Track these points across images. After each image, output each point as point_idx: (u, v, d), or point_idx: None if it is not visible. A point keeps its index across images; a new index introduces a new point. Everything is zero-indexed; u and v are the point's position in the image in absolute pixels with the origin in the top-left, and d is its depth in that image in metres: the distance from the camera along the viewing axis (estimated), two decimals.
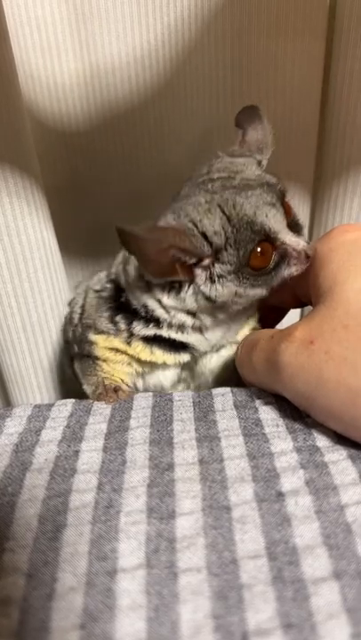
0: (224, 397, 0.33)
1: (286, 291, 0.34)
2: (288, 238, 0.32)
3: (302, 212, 0.49)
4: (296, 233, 0.33)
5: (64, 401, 0.35)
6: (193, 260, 0.31)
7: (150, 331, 0.36)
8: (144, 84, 0.45)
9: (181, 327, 0.36)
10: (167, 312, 0.35)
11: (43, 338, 0.45)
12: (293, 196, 0.47)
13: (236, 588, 0.21)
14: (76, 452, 0.29)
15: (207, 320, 0.35)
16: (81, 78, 0.45)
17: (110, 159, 0.49)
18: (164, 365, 0.38)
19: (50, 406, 0.34)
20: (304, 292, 0.34)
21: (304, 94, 0.45)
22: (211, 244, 0.31)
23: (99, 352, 0.38)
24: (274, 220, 0.32)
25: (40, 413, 0.33)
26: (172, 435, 0.29)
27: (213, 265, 0.32)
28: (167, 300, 0.34)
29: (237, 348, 0.36)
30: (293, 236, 0.33)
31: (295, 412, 0.30)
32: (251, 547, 0.22)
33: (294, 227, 0.34)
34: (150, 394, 0.35)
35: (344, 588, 0.21)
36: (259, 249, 0.32)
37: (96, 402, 0.35)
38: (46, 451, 0.29)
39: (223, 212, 0.31)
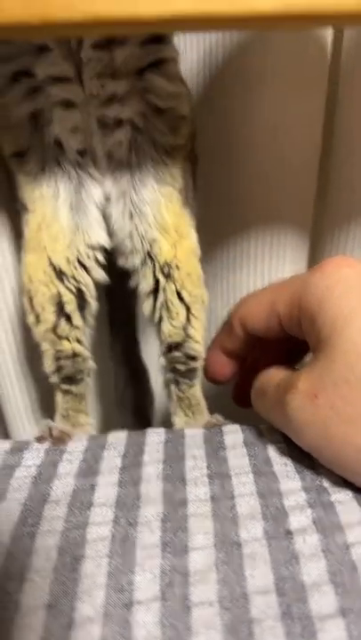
0: (235, 435, 0.34)
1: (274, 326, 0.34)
2: None
3: (300, 259, 0.50)
4: None
5: (79, 436, 0.37)
6: None
7: None
8: None
9: None
10: None
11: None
12: (290, 243, 0.48)
13: (247, 622, 0.22)
14: (93, 486, 0.30)
15: None
16: None
17: None
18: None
19: None
20: (296, 330, 0.33)
21: (305, 142, 0.46)
22: None
23: None
24: None
25: (57, 447, 0.35)
26: (185, 471, 0.31)
27: None
28: None
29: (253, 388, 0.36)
30: None
31: (303, 451, 0.32)
32: (260, 582, 0.23)
33: None
34: (162, 429, 0.36)
35: (350, 624, 0.22)
36: None
37: (110, 436, 0.36)
38: (64, 484, 0.31)
39: None
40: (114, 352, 0.49)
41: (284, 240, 0.47)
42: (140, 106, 0.34)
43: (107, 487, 0.30)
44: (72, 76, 0.33)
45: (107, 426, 0.53)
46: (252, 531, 0.26)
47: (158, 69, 0.34)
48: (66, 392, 0.40)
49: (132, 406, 0.51)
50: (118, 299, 0.45)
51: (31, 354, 0.46)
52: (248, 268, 0.48)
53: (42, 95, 0.33)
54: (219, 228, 0.47)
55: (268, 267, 0.48)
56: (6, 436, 0.53)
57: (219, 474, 0.30)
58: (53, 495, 0.30)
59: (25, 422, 0.50)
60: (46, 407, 0.50)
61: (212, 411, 0.42)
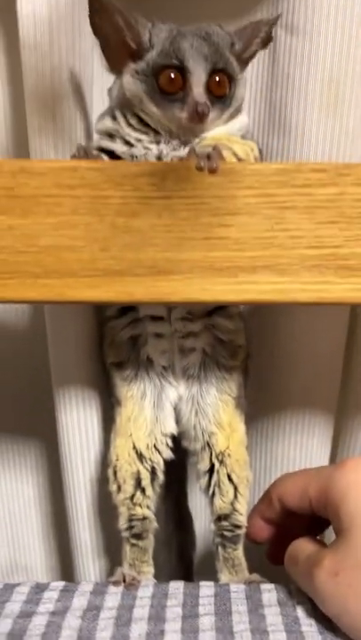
0: (270, 594, 0.43)
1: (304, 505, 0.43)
2: (196, 83, 0.35)
3: (326, 437, 0.60)
4: (217, 102, 0.37)
5: (145, 582, 0.46)
6: (132, 44, 0.37)
7: None
8: None
9: None
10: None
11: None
12: (318, 422, 0.59)
13: None
14: (162, 632, 0.39)
15: None
16: None
17: None
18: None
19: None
20: (323, 512, 0.42)
21: (333, 342, 0.57)
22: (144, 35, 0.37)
23: None
24: (193, 61, 0.35)
25: (130, 592, 0.44)
26: (232, 624, 0.40)
27: (139, 57, 0.38)
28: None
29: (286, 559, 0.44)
30: (205, 93, 0.35)
31: (323, 614, 0.40)
32: None
33: (221, 99, 0.37)
34: (212, 583, 0.46)
35: None
36: (170, 72, 0.36)
37: (170, 586, 0.45)
38: (139, 627, 0.40)
39: (156, 22, 0.38)
40: (167, 503, 0.59)
41: (314, 419, 0.58)
42: (209, 339, 0.48)
43: (172, 634, 0.39)
44: (164, 316, 0.47)
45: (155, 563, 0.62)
46: None
47: (222, 312, 0.48)
48: (133, 545, 0.50)
49: (177, 548, 0.60)
50: (174, 462, 0.56)
51: (101, 509, 0.57)
52: (283, 440, 0.59)
53: (140, 326, 0.48)
54: (260, 406, 0.59)
55: (300, 439, 0.59)
56: (70, 570, 0.62)
57: (259, 629, 0.39)
58: (132, 637, 0.39)
59: (90, 561, 0.59)
60: (107, 551, 0.60)
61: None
